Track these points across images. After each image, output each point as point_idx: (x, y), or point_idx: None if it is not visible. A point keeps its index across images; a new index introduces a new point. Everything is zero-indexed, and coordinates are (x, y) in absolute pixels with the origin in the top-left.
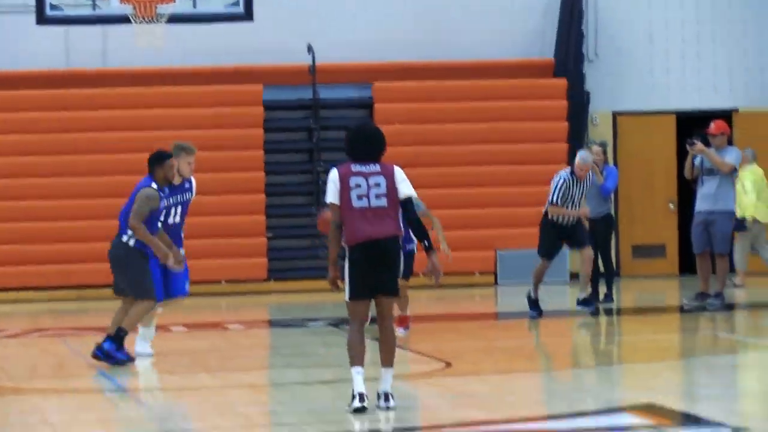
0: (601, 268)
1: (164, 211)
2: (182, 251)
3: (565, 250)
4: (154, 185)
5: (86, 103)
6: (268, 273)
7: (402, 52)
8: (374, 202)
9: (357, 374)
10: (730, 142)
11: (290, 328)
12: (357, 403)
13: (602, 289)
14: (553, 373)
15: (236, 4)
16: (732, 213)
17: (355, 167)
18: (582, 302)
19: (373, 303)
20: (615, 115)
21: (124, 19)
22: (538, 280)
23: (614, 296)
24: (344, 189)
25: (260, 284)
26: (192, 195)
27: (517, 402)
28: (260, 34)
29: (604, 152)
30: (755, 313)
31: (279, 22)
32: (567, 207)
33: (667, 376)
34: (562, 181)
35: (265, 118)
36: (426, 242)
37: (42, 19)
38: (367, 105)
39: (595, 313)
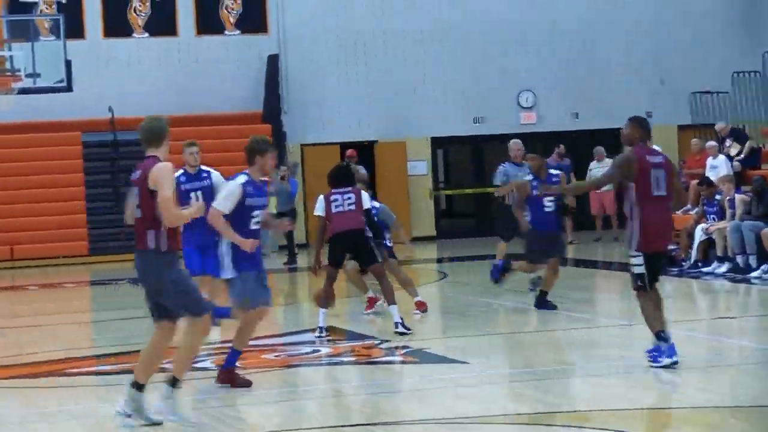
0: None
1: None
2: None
3: None
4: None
5: None
6: (89, 249)
7: (170, 108)
8: (347, 208)
9: (321, 313)
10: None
11: (104, 285)
12: (317, 333)
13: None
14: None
15: (62, 81)
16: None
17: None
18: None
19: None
20: (302, 146)
21: None
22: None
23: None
24: (327, 205)
25: (84, 257)
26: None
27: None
28: (79, 99)
29: (295, 168)
30: None
31: (91, 92)
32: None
33: (338, 308)
34: (502, 167)
35: (83, 152)
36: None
37: None
38: None
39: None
